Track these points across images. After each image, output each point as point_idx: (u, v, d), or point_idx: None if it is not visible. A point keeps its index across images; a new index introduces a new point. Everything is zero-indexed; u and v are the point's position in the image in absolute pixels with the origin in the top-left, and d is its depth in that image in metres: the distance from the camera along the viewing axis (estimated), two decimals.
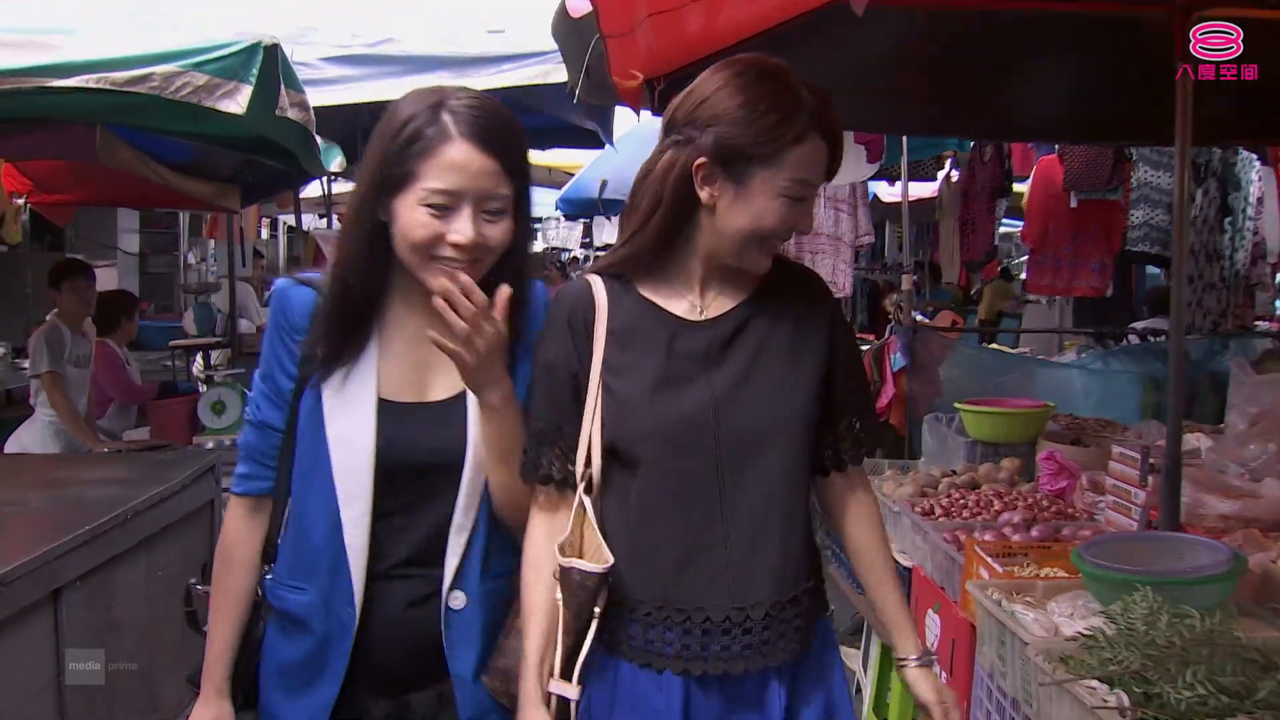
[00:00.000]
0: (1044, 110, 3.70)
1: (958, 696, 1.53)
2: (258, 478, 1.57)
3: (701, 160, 1.43)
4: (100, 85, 2.42)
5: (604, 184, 8.38)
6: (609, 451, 1.50)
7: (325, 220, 8.31)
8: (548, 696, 1.47)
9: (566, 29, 3.71)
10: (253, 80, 2.55)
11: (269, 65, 2.53)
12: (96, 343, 4.87)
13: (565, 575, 1.46)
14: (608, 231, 15.09)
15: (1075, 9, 2.56)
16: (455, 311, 1.39)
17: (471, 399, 1.52)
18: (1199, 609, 1.73)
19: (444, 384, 1.55)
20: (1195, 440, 3.10)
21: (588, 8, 3.46)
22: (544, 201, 10.01)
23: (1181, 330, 2.46)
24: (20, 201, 6.16)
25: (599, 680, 1.50)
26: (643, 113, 3.65)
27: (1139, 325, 5.73)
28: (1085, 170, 5.44)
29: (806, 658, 1.53)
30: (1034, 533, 2.58)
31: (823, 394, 1.54)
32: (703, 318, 1.52)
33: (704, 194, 1.46)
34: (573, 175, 9.59)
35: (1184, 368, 2.53)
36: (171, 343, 7.04)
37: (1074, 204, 5.33)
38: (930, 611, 2.69)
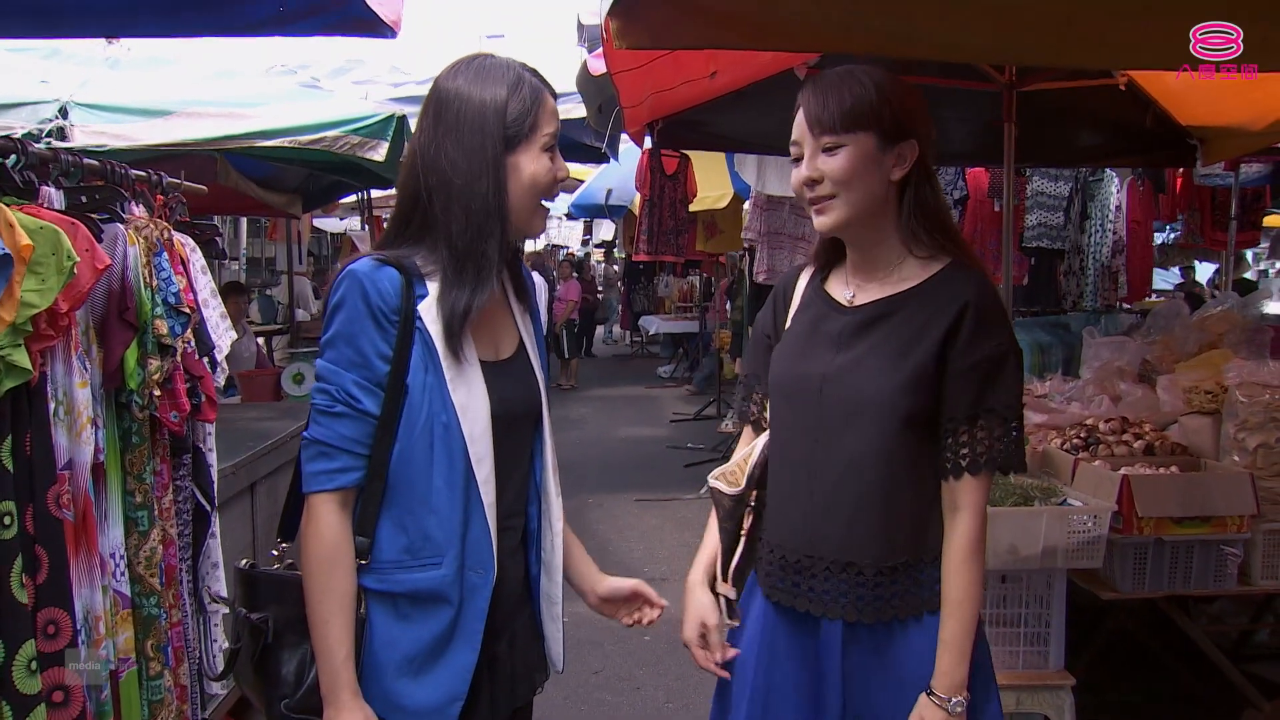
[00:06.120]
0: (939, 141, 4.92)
1: None
2: (353, 469, 1.47)
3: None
4: (293, 144, 3.55)
5: (609, 192, 9.58)
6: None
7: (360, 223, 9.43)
8: (717, 596, 1.74)
9: (586, 81, 5.04)
10: (389, 139, 3.68)
11: (399, 128, 3.67)
12: None
13: (711, 492, 1.76)
14: (605, 229, 16.27)
15: (951, 84, 3.73)
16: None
17: (533, 351, 1.67)
18: None
19: (508, 341, 1.64)
20: (1051, 385, 4.27)
21: (603, 69, 4.73)
22: (553, 205, 11.16)
23: (1009, 304, 3.64)
24: None
25: (747, 590, 1.76)
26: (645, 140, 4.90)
27: None
28: (996, 180, 6.57)
29: (892, 638, 1.60)
30: None
31: (928, 390, 1.56)
32: (850, 304, 1.67)
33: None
34: (579, 181, 10.73)
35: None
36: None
37: (996, 208, 6.44)
38: None
